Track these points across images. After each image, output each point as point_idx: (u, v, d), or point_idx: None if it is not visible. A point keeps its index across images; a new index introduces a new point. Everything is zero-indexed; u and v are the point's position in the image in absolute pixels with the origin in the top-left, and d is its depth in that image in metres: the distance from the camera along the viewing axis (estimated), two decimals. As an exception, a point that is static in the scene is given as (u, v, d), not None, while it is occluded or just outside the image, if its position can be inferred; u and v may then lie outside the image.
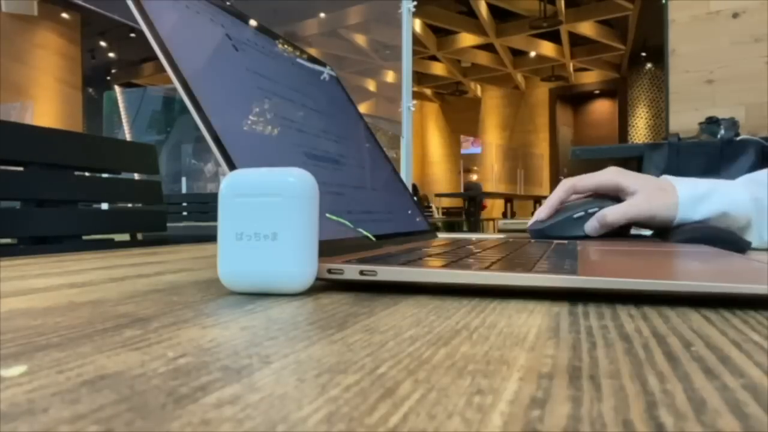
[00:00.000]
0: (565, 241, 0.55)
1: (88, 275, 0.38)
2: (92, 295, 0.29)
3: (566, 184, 0.65)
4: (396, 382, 0.14)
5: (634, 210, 0.60)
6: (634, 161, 1.96)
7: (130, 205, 1.36)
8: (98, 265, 0.46)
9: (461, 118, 11.03)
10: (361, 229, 0.42)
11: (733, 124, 1.96)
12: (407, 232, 0.54)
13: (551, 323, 0.22)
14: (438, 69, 9.54)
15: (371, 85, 4.18)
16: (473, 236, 0.72)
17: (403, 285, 0.30)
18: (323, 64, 0.59)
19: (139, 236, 1.28)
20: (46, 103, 6.01)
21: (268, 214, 0.28)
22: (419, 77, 9.45)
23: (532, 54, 9.03)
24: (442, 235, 0.68)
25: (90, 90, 7.70)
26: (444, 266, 0.31)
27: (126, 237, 1.16)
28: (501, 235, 0.75)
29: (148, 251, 0.64)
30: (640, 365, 0.16)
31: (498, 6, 7.30)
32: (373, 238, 0.43)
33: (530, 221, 0.66)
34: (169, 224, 1.19)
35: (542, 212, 0.65)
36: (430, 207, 7.71)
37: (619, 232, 0.64)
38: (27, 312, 0.24)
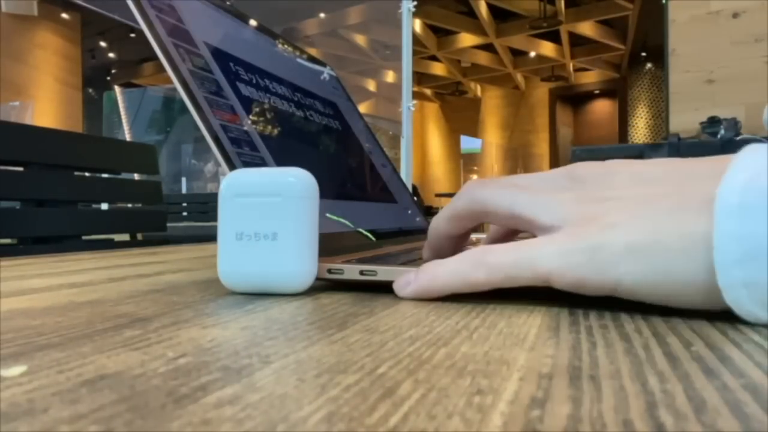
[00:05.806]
0: None
1: (88, 275, 0.38)
2: (92, 295, 0.29)
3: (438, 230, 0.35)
4: (396, 382, 0.14)
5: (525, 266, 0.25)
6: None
7: (130, 205, 1.36)
8: (98, 265, 0.46)
9: (461, 118, 11.01)
10: (361, 229, 0.42)
11: (734, 124, 1.96)
12: (407, 232, 0.54)
13: (551, 323, 0.22)
14: (438, 69, 9.53)
15: (371, 85, 4.19)
16: (473, 236, 0.72)
17: None
18: (323, 64, 0.59)
19: (139, 236, 1.28)
20: (46, 103, 6.01)
21: (268, 214, 0.28)
22: (419, 77, 9.44)
23: (532, 54, 9.02)
24: None
25: (90, 90, 7.70)
26: None
27: (126, 237, 1.16)
28: None
29: (148, 251, 0.64)
30: (640, 365, 0.16)
31: (498, 6, 7.29)
32: (373, 238, 0.43)
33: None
34: (169, 224, 1.19)
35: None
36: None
37: None
38: (27, 312, 0.24)
